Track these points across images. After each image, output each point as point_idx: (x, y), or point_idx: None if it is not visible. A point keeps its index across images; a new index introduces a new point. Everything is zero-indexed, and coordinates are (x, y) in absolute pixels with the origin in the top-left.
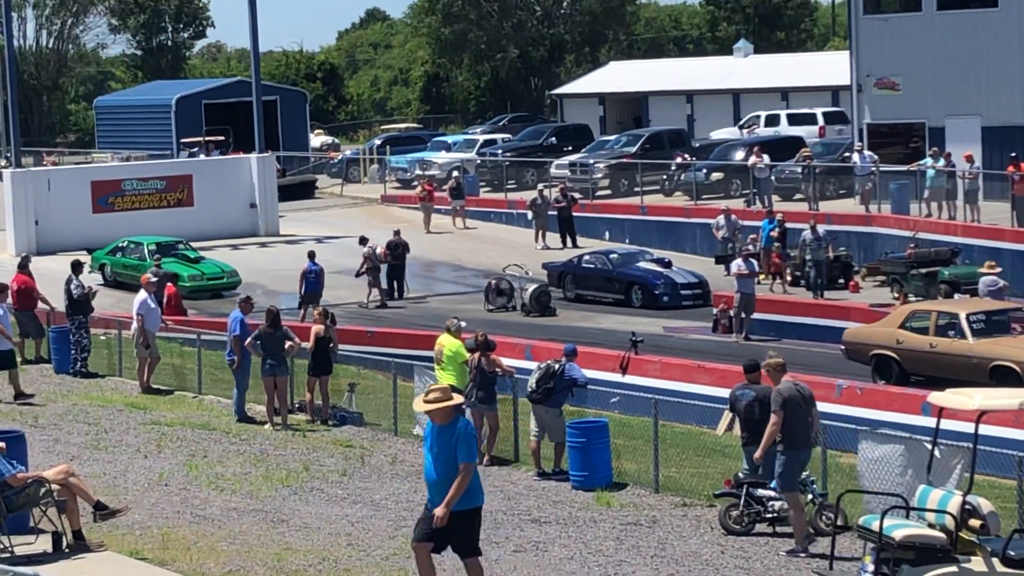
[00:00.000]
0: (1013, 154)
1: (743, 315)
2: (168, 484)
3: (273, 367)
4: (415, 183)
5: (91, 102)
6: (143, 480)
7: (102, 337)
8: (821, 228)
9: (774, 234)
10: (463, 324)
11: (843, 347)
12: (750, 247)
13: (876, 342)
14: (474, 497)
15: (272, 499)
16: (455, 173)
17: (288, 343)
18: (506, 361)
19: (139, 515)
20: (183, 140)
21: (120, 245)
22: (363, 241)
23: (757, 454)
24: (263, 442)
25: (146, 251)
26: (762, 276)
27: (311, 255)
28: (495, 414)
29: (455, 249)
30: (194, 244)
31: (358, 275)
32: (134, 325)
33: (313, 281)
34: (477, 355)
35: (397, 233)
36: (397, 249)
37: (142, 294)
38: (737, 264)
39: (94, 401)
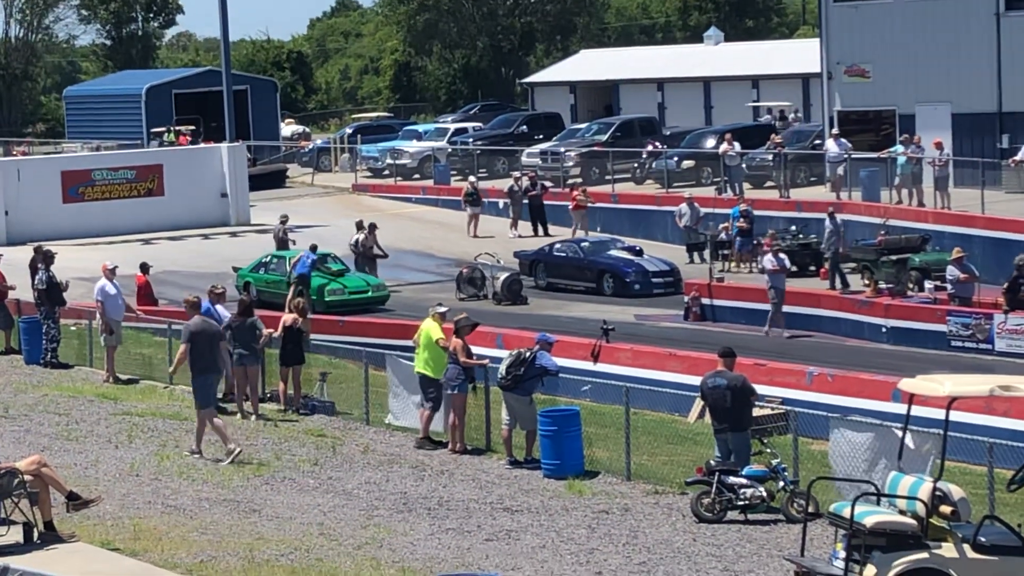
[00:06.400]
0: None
1: (779, 311)
2: (139, 474)
3: (243, 357)
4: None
5: (61, 92)
6: (114, 471)
7: (72, 327)
8: (839, 217)
9: (740, 223)
10: (443, 309)
11: None
12: (722, 236)
13: None
14: None
15: (244, 489)
16: (471, 178)
17: (260, 333)
18: (476, 350)
19: (110, 506)
20: (153, 130)
21: (263, 261)
22: (366, 227)
23: (171, 369)
24: (234, 432)
25: (287, 265)
26: (734, 264)
27: (313, 248)
28: (461, 396)
29: (426, 237)
30: (165, 233)
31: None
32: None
33: (308, 267)
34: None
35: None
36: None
37: (102, 280)
38: (769, 259)
39: (64, 392)
